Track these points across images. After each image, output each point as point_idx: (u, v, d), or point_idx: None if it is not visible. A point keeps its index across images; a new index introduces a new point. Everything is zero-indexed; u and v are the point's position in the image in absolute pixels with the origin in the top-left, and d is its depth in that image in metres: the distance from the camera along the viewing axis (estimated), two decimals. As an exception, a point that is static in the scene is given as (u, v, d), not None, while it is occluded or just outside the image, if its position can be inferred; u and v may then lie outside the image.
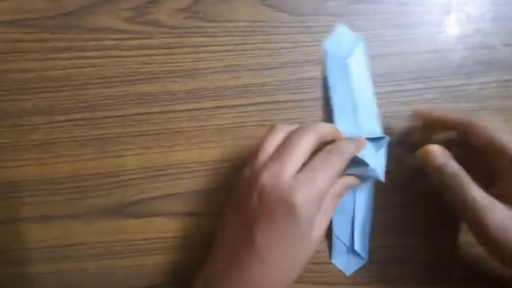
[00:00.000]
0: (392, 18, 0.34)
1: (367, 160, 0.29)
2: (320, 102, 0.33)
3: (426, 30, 0.34)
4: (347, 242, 0.32)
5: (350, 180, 0.30)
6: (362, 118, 0.32)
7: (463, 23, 0.34)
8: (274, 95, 0.33)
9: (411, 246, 0.32)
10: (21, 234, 0.32)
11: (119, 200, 0.33)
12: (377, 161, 0.30)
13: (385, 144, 0.31)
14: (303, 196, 0.25)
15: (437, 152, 0.28)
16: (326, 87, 0.33)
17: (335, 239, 0.32)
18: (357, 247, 0.32)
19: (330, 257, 0.32)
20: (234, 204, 0.28)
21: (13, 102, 0.33)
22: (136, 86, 0.33)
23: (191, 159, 0.33)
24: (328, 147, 0.28)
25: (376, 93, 0.34)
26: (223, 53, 0.33)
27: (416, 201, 0.32)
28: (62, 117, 0.33)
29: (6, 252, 0.32)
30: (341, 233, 0.32)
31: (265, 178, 0.26)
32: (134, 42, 0.33)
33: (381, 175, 0.30)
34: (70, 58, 0.33)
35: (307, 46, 0.34)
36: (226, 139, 0.33)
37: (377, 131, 0.32)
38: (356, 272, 0.32)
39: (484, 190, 0.26)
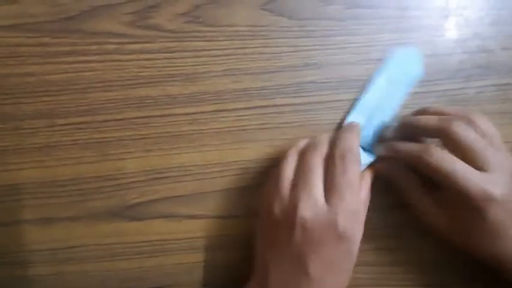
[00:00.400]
0: (390, 22, 0.34)
1: None
2: (320, 106, 0.34)
3: (424, 34, 0.34)
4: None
5: (369, 176, 0.31)
6: (369, 129, 0.33)
7: (462, 27, 0.35)
8: (274, 98, 0.34)
9: (411, 248, 0.33)
10: (22, 237, 0.33)
11: (119, 203, 0.33)
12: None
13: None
14: (345, 220, 0.26)
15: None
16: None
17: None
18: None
19: None
20: (272, 243, 0.28)
21: (14, 106, 0.33)
22: (136, 89, 0.33)
23: (191, 163, 0.33)
24: (337, 151, 0.28)
25: (375, 97, 0.34)
26: (223, 57, 0.34)
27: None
28: (63, 121, 0.33)
29: (7, 254, 0.32)
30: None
31: (303, 212, 0.27)
32: (134, 47, 0.33)
33: None
34: (71, 62, 0.33)
35: (307, 50, 0.34)
36: (226, 142, 0.33)
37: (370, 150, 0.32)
38: (357, 274, 0.32)
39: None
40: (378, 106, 0.33)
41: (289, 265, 0.27)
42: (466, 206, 0.27)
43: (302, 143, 0.31)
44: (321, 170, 0.28)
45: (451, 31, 0.35)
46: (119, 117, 0.33)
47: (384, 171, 0.31)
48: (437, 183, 0.29)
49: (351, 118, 0.33)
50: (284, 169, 0.29)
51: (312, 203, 0.27)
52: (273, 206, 0.28)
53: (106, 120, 0.33)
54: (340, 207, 0.26)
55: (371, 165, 0.31)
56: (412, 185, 0.30)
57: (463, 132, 0.27)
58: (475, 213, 0.27)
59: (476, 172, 0.27)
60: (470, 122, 0.28)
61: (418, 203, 0.30)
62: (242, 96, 0.34)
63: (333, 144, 0.29)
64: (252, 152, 0.33)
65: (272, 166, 0.32)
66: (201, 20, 0.34)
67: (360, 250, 0.32)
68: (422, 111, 0.32)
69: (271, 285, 0.27)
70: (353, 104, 0.33)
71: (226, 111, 0.33)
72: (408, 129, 0.31)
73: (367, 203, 0.30)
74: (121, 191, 0.33)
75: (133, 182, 0.33)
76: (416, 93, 0.34)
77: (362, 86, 0.34)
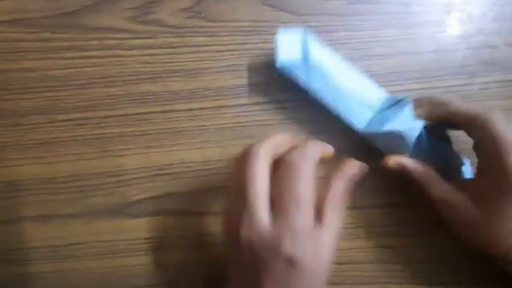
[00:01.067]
0: (393, 18, 0.34)
1: (397, 126, 0.28)
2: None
3: (427, 30, 0.34)
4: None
5: (341, 185, 0.26)
6: (363, 97, 0.31)
7: (465, 23, 0.34)
8: (275, 94, 0.33)
9: (412, 246, 0.32)
10: (22, 234, 0.32)
11: (120, 200, 0.33)
12: (409, 125, 0.28)
13: (410, 107, 0.29)
14: (292, 244, 0.23)
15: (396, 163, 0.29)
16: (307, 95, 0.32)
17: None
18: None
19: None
20: (230, 258, 0.27)
21: (14, 102, 0.33)
22: (137, 85, 0.33)
23: (192, 159, 0.33)
24: (287, 160, 0.25)
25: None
26: (225, 53, 0.33)
27: (417, 201, 0.32)
28: (63, 117, 0.33)
29: (7, 251, 0.32)
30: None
31: (246, 232, 0.23)
32: (136, 42, 0.33)
33: (416, 132, 0.28)
34: (72, 58, 0.33)
35: (309, 46, 0.34)
36: (227, 139, 0.33)
37: (382, 94, 0.31)
38: (357, 272, 0.32)
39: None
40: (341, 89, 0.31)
41: (247, 284, 0.25)
42: (503, 187, 0.25)
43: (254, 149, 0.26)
44: (261, 181, 0.24)
45: (454, 27, 0.34)
46: (120, 113, 0.33)
47: (402, 167, 0.29)
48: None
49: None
50: (229, 181, 0.26)
51: (254, 222, 0.23)
52: (223, 222, 0.26)
53: (106, 116, 0.33)
54: (286, 228, 0.23)
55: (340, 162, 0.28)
56: (438, 183, 0.28)
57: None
58: None
59: None
60: None
61: (449, 201, 0.28)
62: (244, 92, 0.33)
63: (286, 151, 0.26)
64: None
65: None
66: (202, 15, 0.34)
67: (361, 248, 0.32)
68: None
69: None
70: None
71: (227, 107, 0.33)
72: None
73: (337, 213, 0.26)
74: (122, 187, 0.33)
75: (133, 178, 0.33)
76: (420, 89, 0.34)
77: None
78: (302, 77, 0.31)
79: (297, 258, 0.23)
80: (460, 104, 0.28)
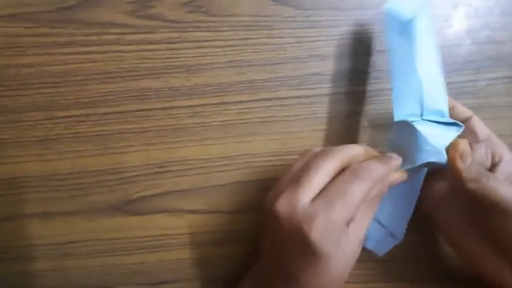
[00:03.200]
0: (398, 12, 0.33)
1: (440, 147, 0.26)
2: (325, 99, 0.33)
3: (433, 24, 0.33)
4: (386, 223, 0.30)
5: (378, 188, 0.26)
6: (427, 96, 0.27)
7: (471, 17, 0.34)
8: (278, 91, 0.33)
9: (415, 244, 0.32)
10: (23, 231, 0.32)
11: (121, 197, 0.32)
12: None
13: (457, 132, 0.26)
14: (317, 228, 0.22)
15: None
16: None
17: (373, 223, 0.29)
18: (391, 226, 0.29)
19: (365, 243, 0.30)
20: (262, 232, 0.28)
21: (13, 98, 0.32)
22: (137, 81, 0.33)
23: (193, 156, 0.33)
24: (351, 167, 0.25)
25: (381, 90, 0.33)
26: (227, 48, 0.33)
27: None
28: (62, 113, 0.32)
29: (8, 248, 0.32)
30: (381, 216, 0.30)
31: (280, 206, 0.24)
32: (135, 37, 0.33)
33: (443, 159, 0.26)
34: (70, 53, 0.32)
35: (312, 41, 0.33)
36: (229, 135, 0.33)
37: (444, 112, 0.27)
38: (360, 270, 0.32)
39: None
40: (417, 72, 0.27)
41: (269, 260, 0.26)
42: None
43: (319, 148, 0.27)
44: (324, 174, 0.24)
45: (460, 21, 0.34)
46: (120, 109, 0.32)
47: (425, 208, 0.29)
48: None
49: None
50: (291, 167, 0.26)
51: (292, 200, 0.23)
52: (268, 195, 0.26)
53: (106, 113, 0.32)
54: (319, 216, 0.23)
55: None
56: (463, 233, 0.28)
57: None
58: None
59: None
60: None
61: (473, 254, 0.27)
62: (246, 88, 0.33)
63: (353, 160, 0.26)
64: (256, 146, 0.33)
65: (277, 159, 0.32)
66: (203, 9, 0.33)
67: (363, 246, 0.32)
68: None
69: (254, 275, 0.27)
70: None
71: (229, 104, 0.33)
72: None
73: (368, 215, 0.26)
74: (123, 185, 0.32)
75: (134, 176, 0.32)
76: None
77: (368, 77, 0.33)
78: (392, 33, 0.29)
79: (320, 248, 0.23)
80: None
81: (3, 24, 0.32)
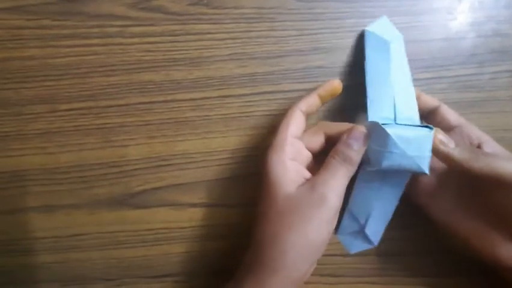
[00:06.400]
0: (402, 4, 0.33)
1: (409, 152, 0.26)
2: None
3: (437, 17, 0.33)
4: (362, 221, 0.30)
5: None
6: (399, 104, 0.29)
7: (476, 10, 0.33)
8: (280, 84, 0.33)
9: (414, 238, 0.32)
10: (25, 224, 0.32)
11: (123, 190, 0.32)
12: (420, 153, 0.26)
13: (431, 136, 0.26)
14: (328, 184, 0.26)
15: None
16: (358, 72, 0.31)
17: (347, 215, 0.30)
18: (368, 230, 0.30)
19: (336, 231, 0.31)
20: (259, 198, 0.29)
21: (15, 91, 0.32)
22: (139, 74, 0.33)
23: (195, 150, 0.33)
24: (331, 155, 0.27)
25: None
26: (229, 41, 0.33)
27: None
28: (65, 106, 0.32)
29: (11, 241, 0.32)
30: (357, 211, 0.30)
31: (267, 156, 0.27)
32: (137, 29, 0.32)
33: (425, 167, 0.26)
34: (72, 46, 0.32)
35: (315, 34, 0.33)
36: (231, 129, 0.33)
37: (416, 120, 0.29)
38: (360, 264, 0.32)
39: None
40: (391, 85, 0.30)
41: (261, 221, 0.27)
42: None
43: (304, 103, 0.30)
44: (290, 123, 0.28)
45: (465, 14, 0.33)
46: (121, 102, 0.32)
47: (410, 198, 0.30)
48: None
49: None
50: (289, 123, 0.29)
51: (274, 148, 0.27)
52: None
53: (108, 106, 0.32)
54: (328, 172, 0.27)
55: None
56: (445, 212, 0.29)
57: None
58: None
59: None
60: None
61: (457, 230, 0.28)
62: (248, 81, 0.33)
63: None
64: (258, 139, 0.33)
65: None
66: (205, 1, 0.33)
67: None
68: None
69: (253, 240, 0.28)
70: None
71: (231, 97, 0.33)
72: None
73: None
74: (125, 178, 0.32)
75: (136, 169, 0.32)
76: (428, 78, 0.33)
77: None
78: (371, 48, 0.31)
79: (328, 195, 0.26)
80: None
81: (6, 17, 0.32)
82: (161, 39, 0.32)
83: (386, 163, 0.26)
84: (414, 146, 0.26)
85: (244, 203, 0.33)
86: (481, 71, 0.33)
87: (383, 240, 0.32)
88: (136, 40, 0.32)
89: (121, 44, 0.32)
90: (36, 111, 0.32)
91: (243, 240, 0.32)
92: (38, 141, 0.32)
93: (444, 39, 0.33)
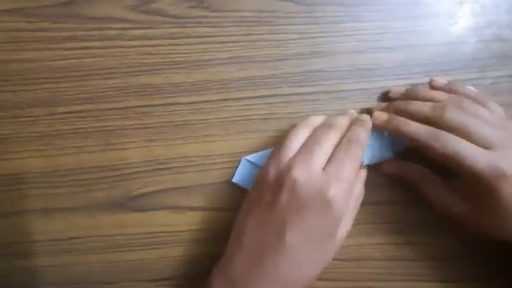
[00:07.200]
0: (402, 9, 0.33)
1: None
2: (327, 96, 0.33)
3: (438, 21, 0.33)
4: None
5: (364, 172, 0.31)
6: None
7: (477, 15, 0.33)
8: (280, 87, 0.33)
9: (415, 243, 0.32)
10: (24, 227, 0.32)
11: (122, 194, 0.32)
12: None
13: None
14: (336, 188, 0.26)
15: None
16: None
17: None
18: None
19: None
20: (256, 203, 0.28)
21: (14, 93, 0.32)
22: (138, 77, 0.32)
23: (194, 153, 0.32)
24: (345, 138, 0.28)
25: (385, 87, 0.33)
26: (229, 44, 0.33)
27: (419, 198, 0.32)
28: (63, 109, 0.32)
29: (9, 244, 0.32)
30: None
31: (298, 173, 0.26)
32: (137, 32, 0.32)
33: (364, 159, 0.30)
34: (72, 48, 0.32)
35: (315, 37, 0.33)
36: (230, 132, 0.33)
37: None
38: (360, 269, 0.32)
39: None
40: None
41: (267, 228, 0.27)
42: (480, 187, 0.26)
43: (314, 119, 0.30)
44: (328, 147, 0.27)
45: (466, 19, 0.33)
46: (121, 105, 0.32)
47: (396, 171, 0.31)
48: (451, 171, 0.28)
49: None
50: (290, 140, 0.28)
51: (308, 167, 0.26)
52: (268, 170, 0.28)
53: (107, 109, 0.32)
54: (335, 175, 0.26)
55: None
56: (429, 181, 0.30)
57: (456, 118, 0.27)
58: (489, 193, 0.26)
59: (482, 150, 0.26)
60: (464, 105, 0.28)
61: (439, 197, 0.29)
62: (248, 84, 0.33)
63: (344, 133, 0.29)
64: (258, 143, 0.32)
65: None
66: (205, 4, 0.33)
67: (364, 245, 0.32)
68: (415, 93, 0.31)
69: (243, 250, 0.27)
70: None
71: (231, 100, 0.33)
72: (402, 114, 0.29)
73: (361, 197, 0.30)
74: (124, 181, 0.32)
75: (135, 172, 0.32)
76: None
77: (371, 75, 0.33)
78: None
79: (337, 203, 0.26)
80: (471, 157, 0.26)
81: (5, 19, 0.32)
82: (161, 42, 0.32)
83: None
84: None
85: (243, 207, 0.32)
86: (483, 76, 0.33)
87: (383, 244, 0.32)
88: (135, 43, 0.32)
89: (120, 46, 0.32)
90: (35, 114, 0.32)
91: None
92: (37, 144, 0.32)
93: (445, 44, 0.33)
